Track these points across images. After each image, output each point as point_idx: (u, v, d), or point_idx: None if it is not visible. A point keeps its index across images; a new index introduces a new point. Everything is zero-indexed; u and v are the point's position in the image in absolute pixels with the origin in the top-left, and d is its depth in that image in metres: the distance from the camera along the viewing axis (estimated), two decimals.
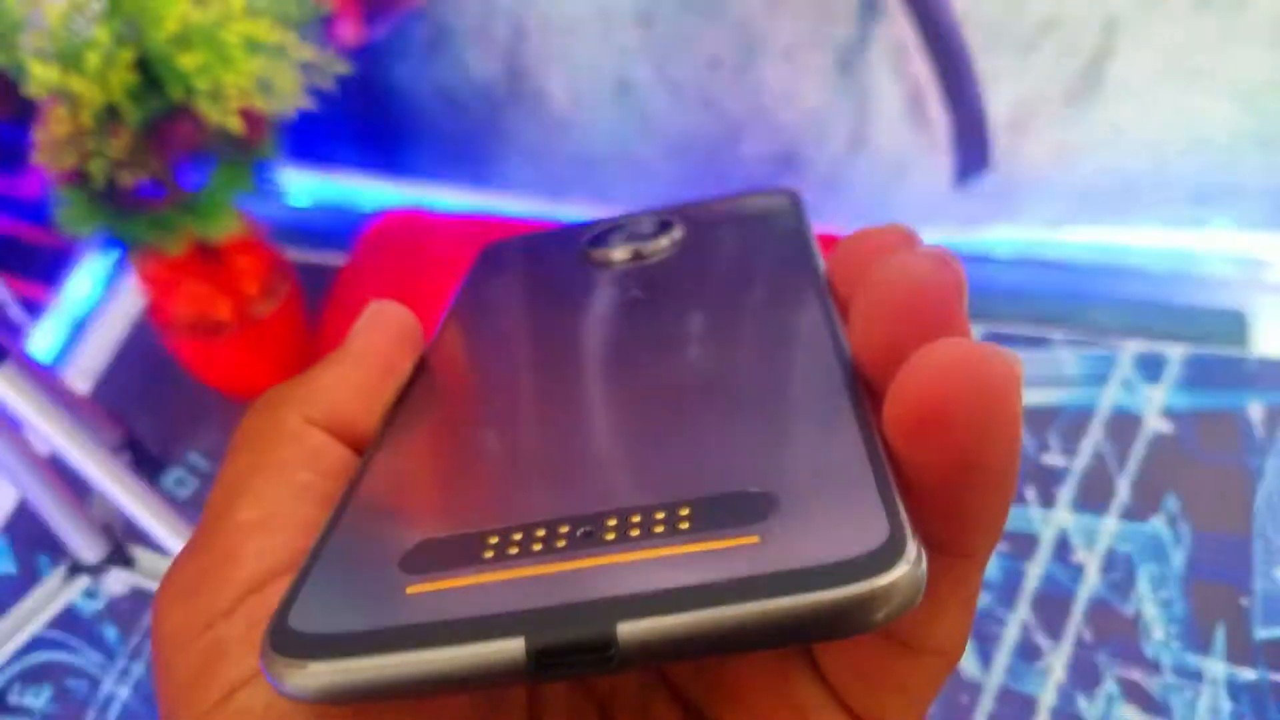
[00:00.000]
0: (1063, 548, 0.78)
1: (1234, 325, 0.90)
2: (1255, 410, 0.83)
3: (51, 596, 0.77)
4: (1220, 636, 0.72)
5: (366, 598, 0.11)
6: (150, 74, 0.69)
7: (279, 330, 0.91)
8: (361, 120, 1.05)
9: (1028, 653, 0.74)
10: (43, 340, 1.05)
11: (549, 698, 0.16)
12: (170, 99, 0.68)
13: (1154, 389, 0.86)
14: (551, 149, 1.01)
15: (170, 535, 0.68)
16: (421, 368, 0.17)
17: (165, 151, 0.70)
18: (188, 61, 0.66)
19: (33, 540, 0.89)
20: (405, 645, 0.10)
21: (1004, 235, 0.96)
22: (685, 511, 0.11)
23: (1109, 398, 0.86)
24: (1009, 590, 0.77)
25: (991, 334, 0.92)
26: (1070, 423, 0.85)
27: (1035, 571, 0.78)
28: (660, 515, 0.11)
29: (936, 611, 0.13)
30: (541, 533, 0.12)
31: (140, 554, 0.76)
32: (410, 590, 0.11)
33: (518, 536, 0.12)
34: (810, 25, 0.84)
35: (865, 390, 0.13)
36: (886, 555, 0.10)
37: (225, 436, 0.93)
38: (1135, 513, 0.79)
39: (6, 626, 0.77)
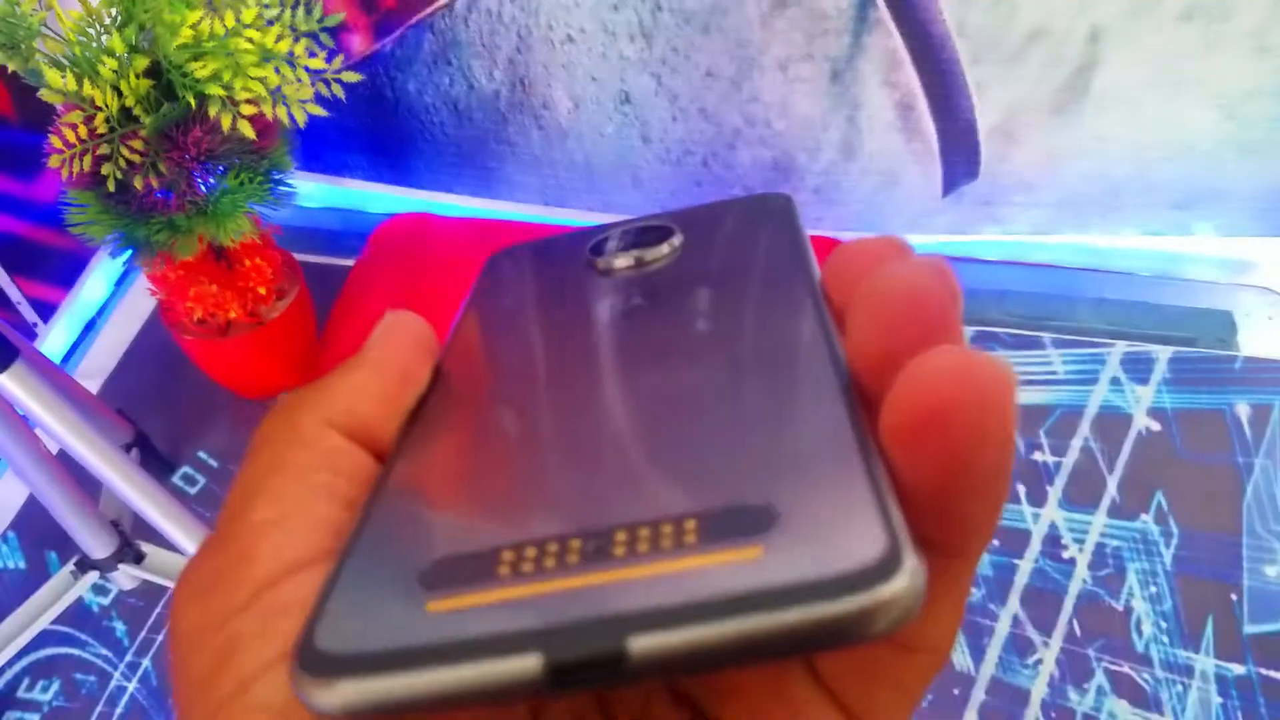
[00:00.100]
0: (1053, 544, 0.80)
1: (1221, 326, 0.91)
2: (1242, 409, 0.84)
3: (60, 592, 0.77)
4: (1209, 632, 0.73)
5: (389, 616, 0.12)
6: (164, 81, 0.70)
7: (288, 330, 0.92)
8: (370, 128, 1.07)
9: (1019, 646, 0.75)
10: (55, 340, 1.06)
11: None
12: (183, 106, 0.70)
13: (1142, 389, 0.87)
14: (553, 157, 1.03)
15: (179, 531, 0.69)
16: (435, 381, 0.17)
17: (178, 157, 0.72)
18: (200, 70, 0.68)
19: (42, 536, 0.90)
20: (428, 663, 0.11)
21: (993, 240, 0.97)
22: (691, 525, 0.12)
23: (1098, 397, 0.88)
24: (1001, 585, 0.78)
25: (982, 334, 0.94)
26: (1060, 421, 0.87)
27: (1026, 567, 0.79)
28: (668, 529, 0.12)
29: (930, 611, 0.13)
30: (554, 548, 0.12)
31: (149, 550, 0.77)
32: (431, 608, 0.12)
33: (532, 552, 0.12)
34: (803, 37, 0.86)
35: (861, 397, 0.14)
36: (887, 566, 0.11)
37: (234, 435, 0.94)
38: (1124, 510, 0.80)
39: (16, 621, 0.78)
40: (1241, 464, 0.81)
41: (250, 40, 0.68)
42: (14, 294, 0.98)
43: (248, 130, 0.70)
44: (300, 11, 0.73)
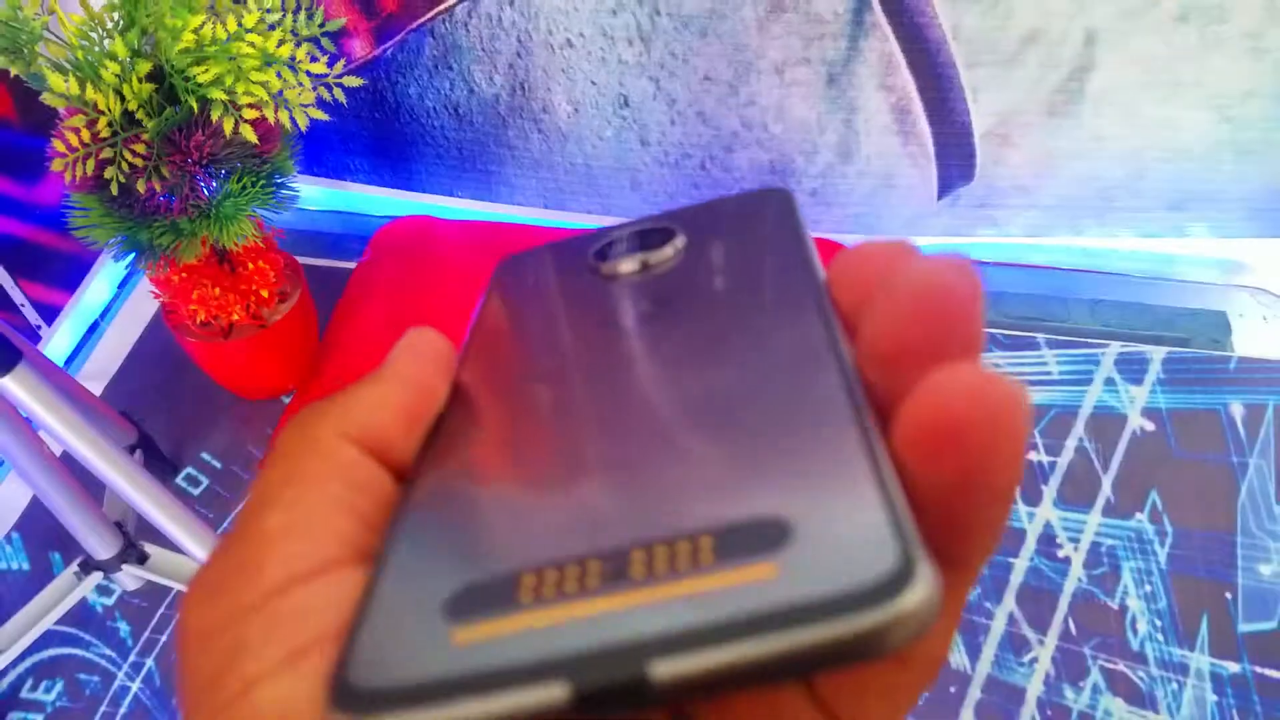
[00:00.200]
0: (1049, 543, 0.80)
1: (1215, 327, 0.92)
2: (1236, 409, 0.85)
3: (64, 592, 0.78)
4: (1204, 630, 0.74)
5: (417, 650, 0.12)
6: (166, 85, 0.71)
7: (290, 332, 0.93)
8: (371, 132, 1.08)
9: (1015, 645, 0.75)
10: (58, 343, 1.07)
11: None
12: (186, 110, 0.70)
13: (1137, 389, 0.88)
14: (553, 160, 1.03)
15: (182, 532, 0.69)
16: (452, 400, 0.17)
17: (181, 161, 0.72)
18: (203, 74, 0.68)
19: (46, 537, 0.90)
20: (458, 695, 0.11)
21: (989, 242, 0.98)
22: (707, 543, 0.12)
23: (1093, 397, 0.88)
24: (996, 584, 0.79)
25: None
26: (1055, 421, 0.87)
27: (1021, 566, 0.79)
28: (684, 549, 0.12)
29: None
30: (575, 571, 0.12)
31: (153, 551, 0.77)
32: (457, 640, 0.12)
33: (553, 576, 0.12)
34: (800, 42, 0.86)
35: (873, 394, 0.14)
36: (903, 580, 0.11)
37: (237, 436, 0.95)
38: (1119, 509, 0.81)
39: (20, 622, 0.78)
40: (1236, 463, 0.82)
41: (252, 45, 0.68)
42: (18, 296, 0.99)
43: (250, 134, 0.71)
44: (302, 16, 0.74)
